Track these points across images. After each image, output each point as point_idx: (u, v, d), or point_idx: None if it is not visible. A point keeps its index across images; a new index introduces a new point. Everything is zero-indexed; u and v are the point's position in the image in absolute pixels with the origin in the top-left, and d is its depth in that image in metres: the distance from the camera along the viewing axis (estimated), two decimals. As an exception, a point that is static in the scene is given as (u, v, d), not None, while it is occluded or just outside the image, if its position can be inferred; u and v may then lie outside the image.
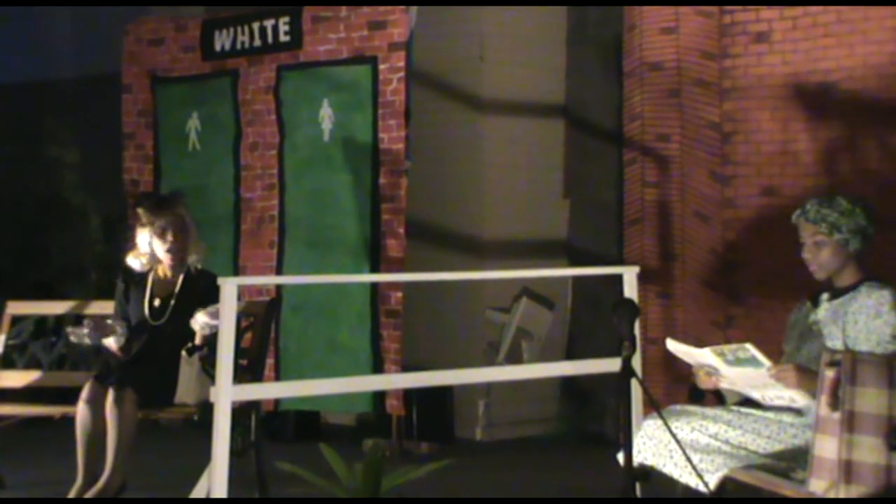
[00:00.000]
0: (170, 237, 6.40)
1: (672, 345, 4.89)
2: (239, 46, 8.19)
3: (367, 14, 7.67)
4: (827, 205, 4.80)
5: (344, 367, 7.51)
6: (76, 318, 6.90)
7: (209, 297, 6.31)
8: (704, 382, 4.88)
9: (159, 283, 6.48)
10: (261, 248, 8.06)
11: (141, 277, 6.51)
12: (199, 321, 6.19)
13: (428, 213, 8.62)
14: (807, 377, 4.55)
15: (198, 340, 6.20)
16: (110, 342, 6.34)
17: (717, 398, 5.00)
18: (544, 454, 8.31)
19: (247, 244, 8.14)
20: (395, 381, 6.97)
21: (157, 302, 6.45)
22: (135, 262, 6.50)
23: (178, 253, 6.43)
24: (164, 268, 6.48)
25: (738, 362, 4.69)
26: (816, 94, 7.45)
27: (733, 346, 4.70)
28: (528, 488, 7.19)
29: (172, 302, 6.41)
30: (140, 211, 6.48)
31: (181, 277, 6.45)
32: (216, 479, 4.92)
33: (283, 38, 8.00)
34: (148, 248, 6.46)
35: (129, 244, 6.60)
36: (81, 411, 6.10)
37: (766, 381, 4.67)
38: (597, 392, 8.46)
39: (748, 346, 4.66)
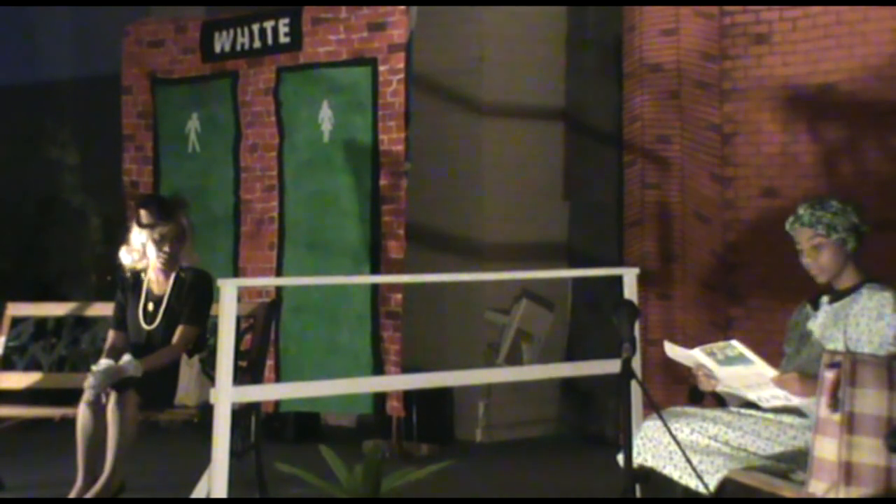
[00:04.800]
0: (166, 248, 6.44)
1: (669, 348, 4.90)
2: (239, 48, 8.19)
3: (367, 15, 7.66)
4: (820, 207, 4.83)
5: (344, 368, 7.51)
6: (97, 349, 6.84)
7: (192, 292, 6.37)
8: (704, 384, 4.89)
9: (152, 287, 6.51)
10: (261, 249, 8.06)
11: (136, 283, 6.52)
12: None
13: (428, 215, 8.62)
14: (809, 384, 4.55)
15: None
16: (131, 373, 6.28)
17: (717, 400, 5.00)
18: (544, 455, 8.31)
19: (246, 246, 8.14)
20: (396, 382, 6.97)
21: (150, 306, 6.47)
22: (127, 256, 6.53)
23: (170, 261, 6.47)
24: (156, 270, 6.50)
25: (728, 361, 4.70)
26: (816, 96, 7.46)
27: (721, 345, 4.71)
28: (528, 489, 7.19)
29: (163, 305, 6.43)
30: (142, 213, 6.49)
31: (172, 280, 6.47)
32: (216, 480, 4.93)
33: (283, 39, 8.00)
34: (141, 247, 6.48)
35: (122, 239, 6.62)
36: (83, 413, 6.11)
37: (760, 379, 4.68)
38: (597, 393, 8.47)
39: (734, 342, 4.68)
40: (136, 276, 6.55)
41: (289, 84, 7.98)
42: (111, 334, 6.54)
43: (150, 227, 6.44)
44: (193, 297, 6.41)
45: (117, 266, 6.64)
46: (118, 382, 6.06)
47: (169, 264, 6.47)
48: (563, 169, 9.03)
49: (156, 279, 6.50)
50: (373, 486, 4.97)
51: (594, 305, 8.47)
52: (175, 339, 6.34)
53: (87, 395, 6.09)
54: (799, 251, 4.88)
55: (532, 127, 8.96)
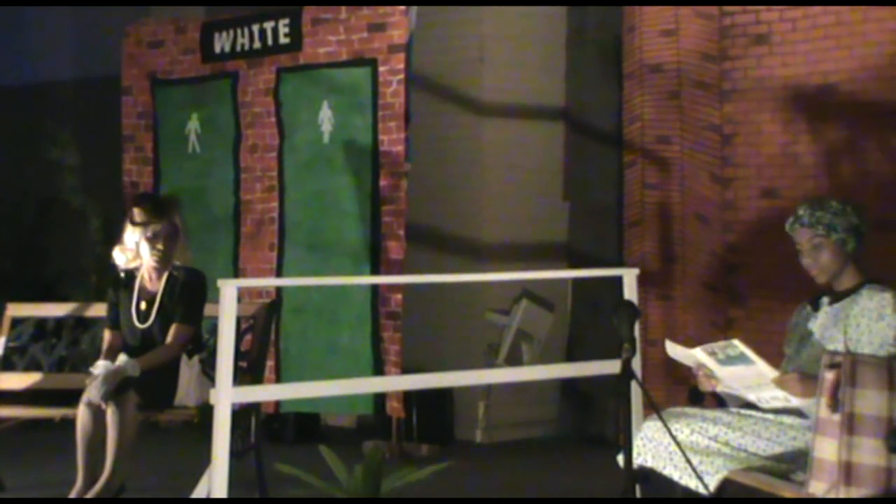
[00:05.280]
0: (159, 245, 6.43)
1: (670, 348, 4.90)
2: (238, 48, 8.19)
3: (367, 16, 7.66)
4: (819, 207, 4.84)
5: (344, 369, 7.51)
6: (97, 352, 6.83)
7: (185, 291, 6.37)
8: (704, 384, 4.89)
9: (145, 286, 6.51)
10: (261, 250, 8.06)
11: (129, 281, 6.52)
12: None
13: (428, 216, 8.62)
14: (810, 384, 4.55)
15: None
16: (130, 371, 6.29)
17: (717, 400, 5.00)
18: (544, 456, 8.31)
19: (247, 246, 8.13)
20: (396, 383, 6.97)
21: (143, 305, 6.47)
22: (120, 256, 6.53)
23: (163, 259, 6.47)
24: (149, 269, 6.50)
25: (730, 360, 4.70)
26: (816, 96, 7.46)
27: (722, 344, 4.72)
28: (529, 490, 7.19)
29: (156, 304, 6.43)
30: (136, 210, 6.49)
31: (164, 279, 6.48)
32: (216, 480, 4.93)
33: (283, 40, 8.00)
34: (134, 246, 6.48)
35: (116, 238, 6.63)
36: (82, 413, 6.10)
37: (761, 379, 4.68)
38: (597, 394, 8.46)
39: (735, 342, 4.68)
40: (130, 274, 6.55)
41: (289, 84, 7.98)
42: (107, 334, 6.53)
43: (143, 224, 6.44)
44: (187, 295, 6.41)
45: (111, 266, 6.64)
46: (118, 383, 6.06)
47: (162, 262, 6.46)
48: (564, 169, 9.02)
49: (149, 277, 6.50)
50: (373, 487, 4.97)
51: (594, 306, 8.46)
52: (169, 338, 6.34)
53: (92, 399, 6.07)
54: (799, 252, 4.88)
55: (532, 127, 8.95)
